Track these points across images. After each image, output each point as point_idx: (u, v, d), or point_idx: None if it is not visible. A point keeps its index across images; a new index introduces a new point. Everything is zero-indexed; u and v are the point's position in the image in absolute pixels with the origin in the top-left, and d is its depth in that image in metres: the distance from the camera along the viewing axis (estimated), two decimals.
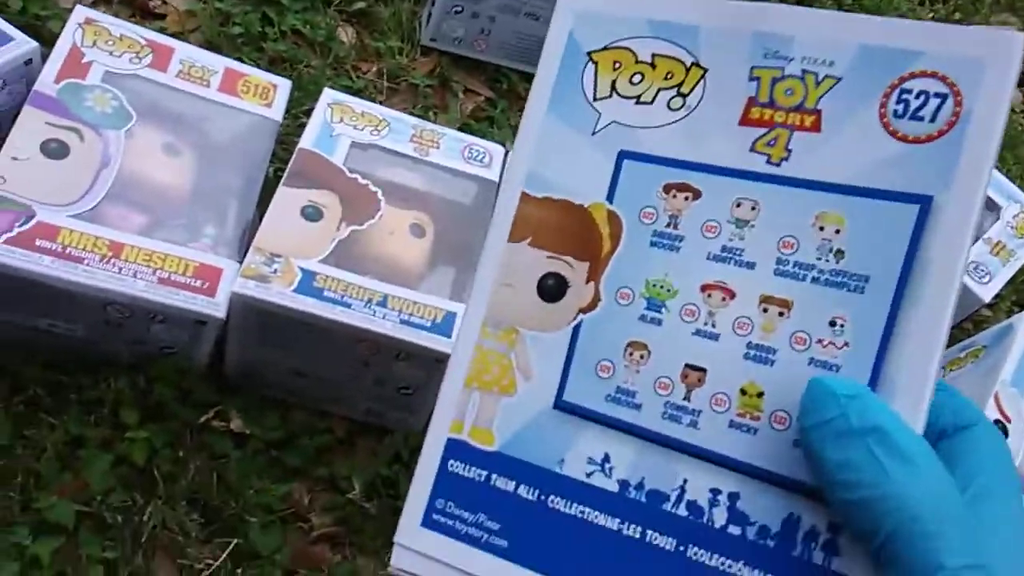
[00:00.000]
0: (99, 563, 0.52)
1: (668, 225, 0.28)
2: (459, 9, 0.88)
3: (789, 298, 0.26)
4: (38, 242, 0.52)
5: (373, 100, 0.84)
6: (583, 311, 0.28)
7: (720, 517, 0.25)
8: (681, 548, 0.25)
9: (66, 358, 0.58)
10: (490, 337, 0.29)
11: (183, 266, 0.56)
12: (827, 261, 0.25)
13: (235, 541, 0.56)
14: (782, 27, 0.27)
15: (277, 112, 0.67)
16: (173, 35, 0.78)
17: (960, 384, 0.76)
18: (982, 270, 0.84)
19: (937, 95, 0.25)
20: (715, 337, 0.26)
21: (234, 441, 0.59)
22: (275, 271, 0.57)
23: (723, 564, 0.24)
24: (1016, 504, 0.24)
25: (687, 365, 0.27)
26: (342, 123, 0.69)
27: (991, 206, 0.90)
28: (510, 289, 0.29)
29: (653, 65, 0.29)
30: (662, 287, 0.27)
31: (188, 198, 0.61)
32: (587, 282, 0.28)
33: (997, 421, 0.68)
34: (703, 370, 0.26)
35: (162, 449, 0.57)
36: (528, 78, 0.95)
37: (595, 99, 0.29)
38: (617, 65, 0.29)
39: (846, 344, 0.25)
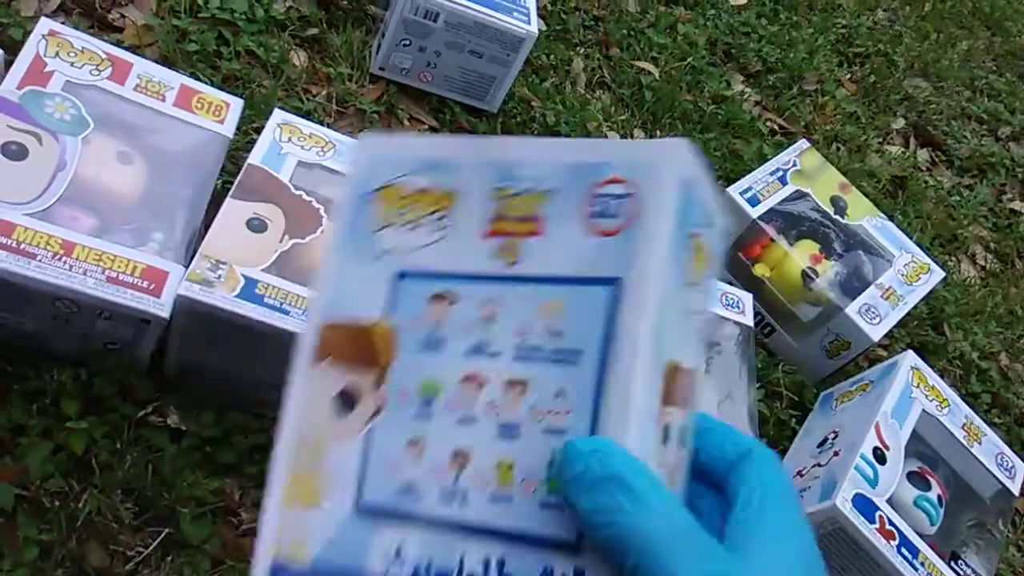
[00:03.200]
0: (35, 544, 0.55)
1: (431, 330, 0.32)
2: (407, 43, 0.93)
3: (526, 378, 0.30)
4: None
5: (321, 122, 0.88)
6: (373, 416, 0.32)
7: None
8: None
9: (12, 350, 0.60)
10: (300, 460, 0.32)
11: (131, 267, 0.59)
12: (550, 342, 0.30)
13: (166, 530, 0.59)
14: (509, 154, 0.33)
15: (229, 128, 0.71)
16: (130, 48, 0.81)
17: (847, 414, 0.83)
18: (873, 312, 0.92)
19: (621, 196, 0.30)
20: (473, 421, 0.30)
21: (170, 436, 0.63)
22: (219, 277, 0.61)
23: None
24: (793, 507, 0.29)
25: (455, 451, 0.30)
26: (290, 142, 0.73)
27: (885, 255, 0.99)
28: (314, 408, 0.32)
29: (422, 193, 0.33)
30: (431, 385, 0.31)
31: (138, 204, 0.65)
32: (374, 390, 0.32)
33: (876, 448, 0.75)
34: (467, 454, 0.30)
35: (101, 440, 0.60)
36: (470, 111, 1.01)
37: (376, 230, 0.33)
38: (394, 198, 0.34)
39: (568, 411, 0.29)
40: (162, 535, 0.59)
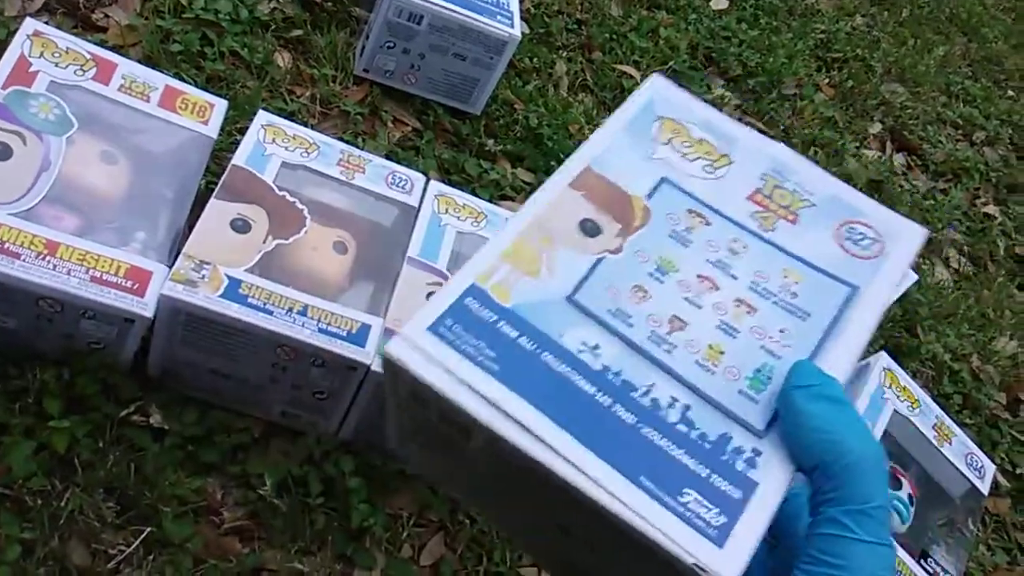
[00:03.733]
0: (17, 543, 0.55)
1: (684, 230, 0.38)
2: (391, 45, 0.94)
3: (756, 306, 0.36)
4: None
5: (305, 123, 0.89)
6: (608, 252, 0.37)
7: (674, 416, 0.32)
8: (639, 425, 0.32)
9: None
10: (532, 236, 0.36)
11: (115, 267, 0.60)
12: (785, 295, 0.36)
13: (148, 529, 0.60)
14: (790, 162, 0.40)
15: (213, 129, 0.72)
16: (113, 48, 0.81)
17: None
18: None
19: (871, 237, 0.38)
20: (699, 307, 0.35)
21: (153, 435, 0.63)
22: (203, 277, 0.62)
23: (667, 446, 0.31)
24: None
25: (674, 315, 0.35)
26: (274, 143, 0.73)
27: None
28: (558, 214, 0.37)
29: (701, 143, 0.41)
30: (670, 262, 0.36)
31: (121, 204, 0.65)
32: (616, 236, 0.37)
33: None
34: (685, 322, 0.35)
35: (83, 439, 0.60)
36: (454, 113, 1.02)
37: (656, 139, 0.40)
38: (676, 131, 0.41)
39: (788, 346, 0.34)
40: (144, 534, 0.59)
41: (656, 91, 0.42)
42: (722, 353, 0.34)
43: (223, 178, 0.69)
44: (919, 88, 1.64)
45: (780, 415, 0.33)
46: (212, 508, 0.63)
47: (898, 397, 0.84)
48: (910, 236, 0.39)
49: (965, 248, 1.39)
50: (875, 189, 1.36)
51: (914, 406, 0.84)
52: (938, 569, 0.75)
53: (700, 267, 0.36)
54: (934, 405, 0.86)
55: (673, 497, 0.30)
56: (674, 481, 0.31)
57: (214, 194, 0.67)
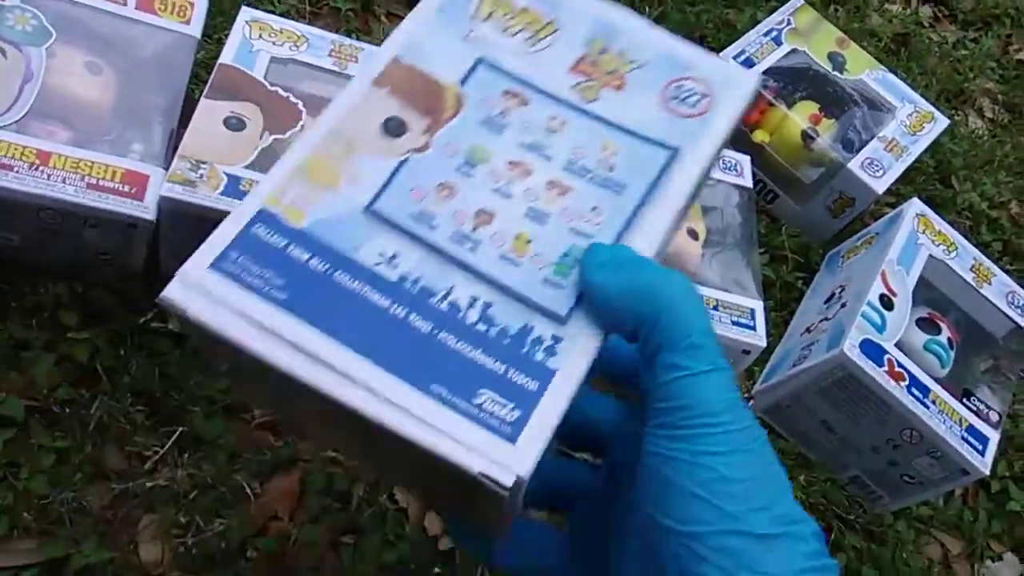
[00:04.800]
0: (51, 451, 0.56)
1: (498, 115, 0.36)
2: None
3: (569, 186, 0.35)
4: None
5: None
6: (414, 151, 0.35)
7: (472, 316, 0.31)
8: (435, 332, 0.31)
9: (5, 267, 0.60)
10: (330, 146, 0.34)
11: (111, 172, 0.59)
12: (602, 170, 0.35)
13: (180, 429, 0.60)
14: (617, 22, 0.38)
15: (195, 28, 0.69)
16: None
17: (855, 267, 0.82)
18: (876, 165, 0.90)
19: (700, 93, 0.36)
20: (508, 196, 0.34)
21: (173, 340, 0.63)
22: (201, 176, 0.60)
23: (463, 348, 0.31)
24: None
25: (481, 209, 0.34)
26: (261, 39, 0.71)
27: (887, 107, 0.96)
28: (360, 117, 0.35)
29: (523, 13, 0.38)
30: (480, 152, 0.35)
31: (112, 115, 0.64)
32: (423, 133, 0.35)
33: (883, 295, 0.75)
34: (492, 215, 0.34)
35: (104, 348, 0.60)
36: None
37: (474, 16, 0.38)
38: (497, 2, 0.38)
39: (599, 223, 0.34)
40: (176, 434, 0.60)
41: None
42: (529, 242, 0.33)
43: (211, 78, 0.67)
44: None
45: (586, 301, 0.32)
46: (241, 405, 0.63)
47: (933, 241, 0.81)
48: (741, 85, 0.36)
49: (999, 96, 1.32)
50: (901, 43, 1.30)
51: (950, 249, 0.81)
52: (981, 406, 0.73)
53: (512, 153, 0.35)
54: (971, 247, 0.83)
55: (467, 400, 0.29)
56: (468, 384, 0.30)
57: (204, 94, 0.65)
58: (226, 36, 0.82)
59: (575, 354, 0.31)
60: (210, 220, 0.61)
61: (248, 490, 0.60)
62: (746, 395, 0.80)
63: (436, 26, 0.37)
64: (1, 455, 0.54)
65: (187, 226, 0.61)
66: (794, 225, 0.94)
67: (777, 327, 0.85)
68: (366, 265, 0.32)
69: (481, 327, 0.31)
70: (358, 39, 0.90)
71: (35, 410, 0.57)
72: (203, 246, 0.32)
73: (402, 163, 0.34)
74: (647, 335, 0.30)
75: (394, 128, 0.35)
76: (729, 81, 0.36)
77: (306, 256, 0.32)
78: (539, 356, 0.31)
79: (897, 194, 1.04)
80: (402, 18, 0.95)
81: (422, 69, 0.36)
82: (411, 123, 0.35)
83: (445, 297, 0.32)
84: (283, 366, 0.30)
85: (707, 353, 0.29)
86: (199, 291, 0.31)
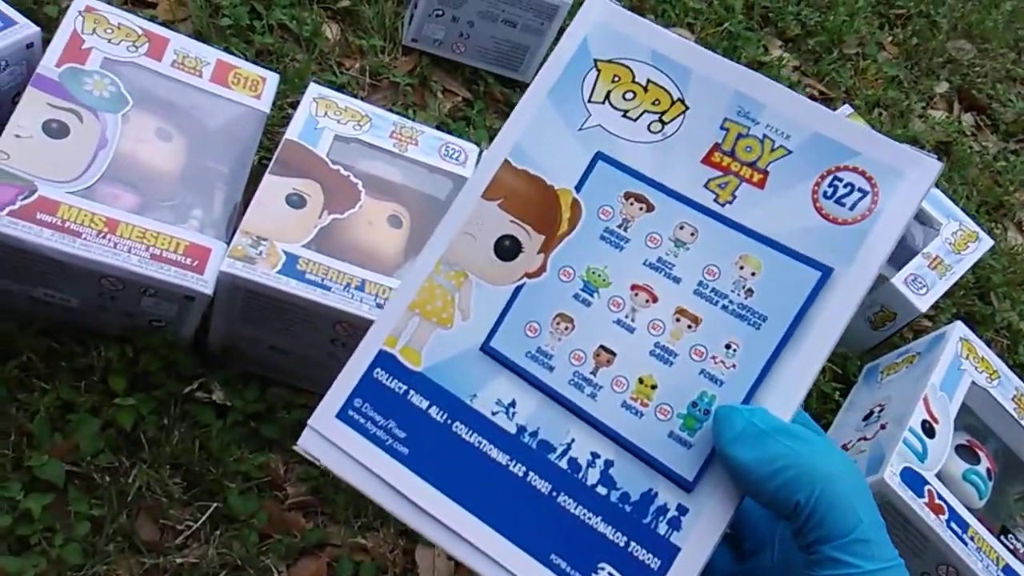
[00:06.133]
0: (86, 519, 0.56)
1: (620, 226, 0.32)
2: (440, 13, 0.92)
3: (700, 315, 0.31)
4: (39, 215, 0.56)
5: (355, 95, 0.88)
6: (528, 276, 0.32)
7: (593, 477, 0.30)
8: (554, 494, 0.30)
9: (60, 327, 0.61)
10: (442, 274, 0.33)
11: (174, 244, 0.59)
12: (739, 295, 0.30)
13: (215, 504, 0.60)
14: (759, 94, 0.32)
15: (265, 104, 0.71)
16: (164, 23, 0.81)
17: (894, 386, 0.82)
18: (919, 282, 0.90)
19: (860, 190, 0.30)
20: (631, 330, 0.31)
21: (216, 412, 0.63)
22: (260, 253, 0.61)
23: (584, 515, 0.30)
24: None
25: (601, 346, 0.31)
26: (326, 116, 0.72)
27: (932, 223, 0.97)
28: (471, 239, 0.33)
29: (646, 88, 0.33)
30: (599, 276, 0.32)
31: (178, 181, 0.65)
32: (538, 252, 0.33)
33: (925, 421, 0.74)
34: (614, 353, 0.31)
35: (148, 416, 0.60)
36: (504, 82, 0.99)
37: (590, 100, 0.33)
38: (616, 79, 0.33)
39: (734, 366, 0.30)
40: (211, 509, 0.59)
41: (593, 24, 0.34)
42: (654, 388, 0.30)
43: (277, 153, 0.68)
44: (987, 44, 1.56)
45: (720, 470, 0.29)
46: (276, 483, 0.63)
47: (976, 368, 0.80)
48: (914, 176, 0.30)
49: None
50: (943, 151, 1.31)
51: (992, 377, 0.80)
52: (1019, 545, 0.72)
53: (636, 274, 0.31)
54: (1013, 376, 0.82)
55: (586, 575, 0.29)
56: (589, 555, 0.29)
57: (268, 169, 0.66)
58: (289, 104, 0.84)
59: (701, 530, 0.29)
60: (265, 296, 0.62)
61: (275, 573, 0.59)
62: None
63: (548, 116, 0.33)
64: (38, 520, 0.54)
65: (242, 299, 0.61)
66: None
67: None
68: (484, 414, 0.31)
69: (602, 490, 0.30)
70: (415, 114, 0.92)
71: (75, 475, 0.57)
72: (330, 392, 0.32)
73: (517, 291, 0.32)
74: (803, 525, 0.27)
75: (508, 250, 0.33)
76: (899, 171, 0.30)
77: (425, 404, 0.32)
78: (662, 529, 0.29)
79: (936, 307, 1.04)
80: (458, 95, 0.98)
81: (535, 174, 0.33)
82: (525, 242, 0.33)
83: (565, 453, 0.30)
84: (407, 521, 0.30)
85: (877, 548, 0.27)
86: (329, 444, 0.32)
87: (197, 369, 0.63)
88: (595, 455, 0.30)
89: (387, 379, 0.32)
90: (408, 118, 0.81)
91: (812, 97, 1.24)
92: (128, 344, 0.62)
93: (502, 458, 0.31)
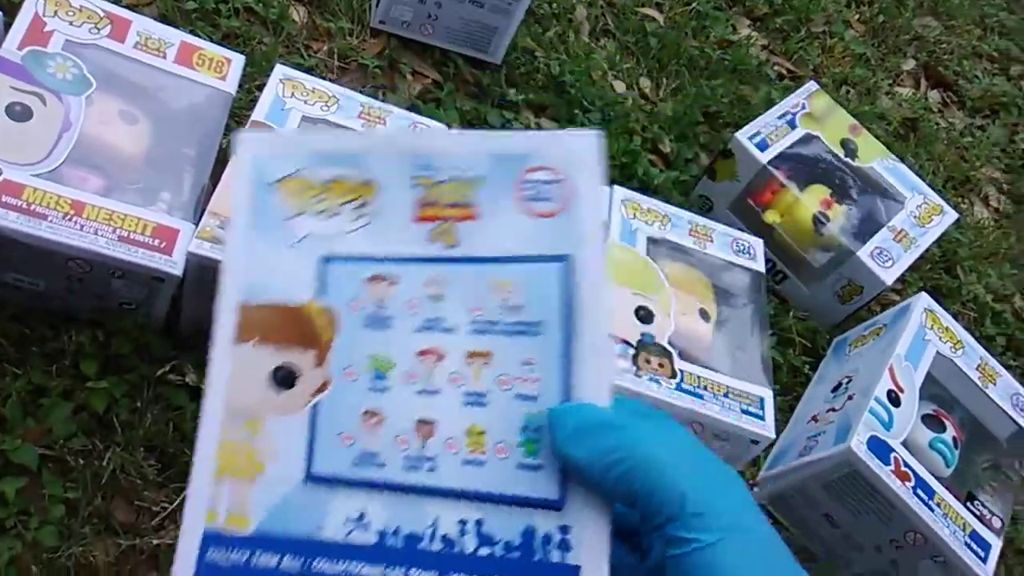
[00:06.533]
0: (61, 502, 0.56)
1: (377, 310, 0.32)
2: None
3: (488, 349, 0.31)
4: (4, 198, 0.55)
5: (324, 78, 0.87)
6: (317, 393, 0.31)
7: (470, 543, 0.29)
8: None
9: (30, 312, 0.61)
10: (233, 430, 0.31)
11: (142, 226, 0.59)
12: (508, 316, 0.31)
13: None
14: (426, 148, 0.33)
15: (231, 85, 0.70)
16: (128, 7, 0.80)
17: (861, 358, 0.83)
18: (885, 255, 0.91)
19: (551, 180, 0.32)
20: (436, 392, 0.31)
21: (189, 394, 0.63)
22: None
23: None
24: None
25: (417, 421, 0.30)
26: (293, 97, 0.72)
27: (897, 197, 0.98)
28: (245, 385, 0.32)
29: (330, 185, 0.33)
30: (382, 360, 0.31)
31: (144, 163, 0.64)
32: (315, 367, 0.32)
33: (890, 391, 0.76)
34: (432, 422, 0.30)
35: (121, 399, 0.60)
36: (473, 63, 0.99)
37: (289, 218, 0.33)
38: (301, 189, 0.34)
39: (539, 378, 0.30)
40: (185, 491, 0.59)
41: (252, 156, 0.34)
42: (482, 433, 0.30)
43: None
44: (953, 21, 1.58)
45: (568, 475, 0.29)
46: None
47: (940, 338, 0.82)
48: (585, 153, 0.32)
49: (1004, 186, 1.35)
50: (910, 127, 1.32)
51: (957, 347, 0.82)
52: (984, 511, 0.73)
53: (414, 343, 0.31)
54: (977, 346, 0.84)
55: None
56: None
57: None
58: (257, 87, 0.84)
59: (590, 539, 0.28)
60: None
61: None
62: (750, 482, 0.81)
63: (260, 247, 0.33)
64: (12, 503, 0.54)
65: (212, 281, 0.61)
66: (802, 307, 0.96)
67: (783, 411, 0.85)
68: (339, 540, 0.29)
69: (484, 551, 0.29)
70: (384, 96, 0.91)
71: (49, 459, 0.57)
72: None
73: (313, 411, 0.31)
74: (644, 511, 0.27)
75: (285, 379, 0.32)
76: (573, 155, 0.32)
77: (275, 559, 0.30)
78: (556, 556, 0.28)
79: (904, 281, 1.06)
80: (428, 77, 0.98)
81: (276, 303, 0.32)
82: (298, 365, 0.32)
83: (434, 535, 0.29)
84: None
85: (712, 519, 0.27)
86: None
87: (169, 351, 0.63)
88: (463, 522, 0.29)
89: (223, 557, 0.30)
90: (377, 100, 0.81)
91: (780, 76, 1.25)
92: (99, 327, 0.61)
93: (376, 571, 0.29)
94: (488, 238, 0.32)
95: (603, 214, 0.30)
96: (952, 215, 0.99)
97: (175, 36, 0.70)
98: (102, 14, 0.68)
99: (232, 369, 0.32)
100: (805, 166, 0.96)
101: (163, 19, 0.83)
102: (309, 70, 0.89)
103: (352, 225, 0.33)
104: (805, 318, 0.95)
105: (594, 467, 0.28)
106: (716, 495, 0.27)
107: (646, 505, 0.27)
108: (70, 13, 0.66)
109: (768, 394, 0.71)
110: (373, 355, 0.31)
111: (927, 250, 0.97)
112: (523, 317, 0.31)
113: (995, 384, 0.82)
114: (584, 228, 0.31)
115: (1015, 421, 0.81)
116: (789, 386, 0.88)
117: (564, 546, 0.28)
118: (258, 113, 0.70)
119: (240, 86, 0.73)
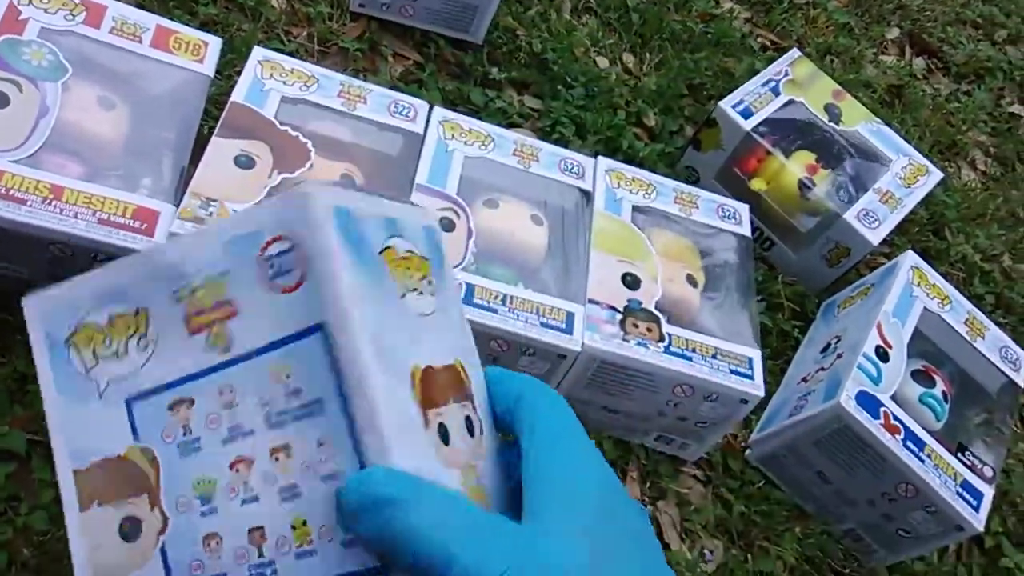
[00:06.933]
0: (51, 486, 0.56)
1: (185, 435, 0.33)
2: None
3: (286, 441, 0.31)
4: None
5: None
6: (161, 533, 0.32)
7: None
8: None
9: (12, 299, 0.60)
10: None
11: (122, 208, 0.59)
12: (292, 401, 0.31)
13: None
14: (171, 258, 0.33)
15: (209, 68, 0.70)
16: None
17: (850, 318, 0.84)
18: (871, 217, 0.91)
19: (284, 251, 0.31)
20: (257, 498, 0.31)
21: None
22: (211, 213, 0.61)
23: None
24: (572, 439, 0.33)
25: (248, 531, 0.31)
26: (272, 79, 0.72)
27: (882, 159, 0.98)
28: (100, 548, 0.33)
29: (112, 324, 0.34)
30: (204, 482, 0.32)
31: (123, 149, 0.64)
32: (152, 509, 0.33)
33: (878, 347, 0.76)
34: (261, 526, 0.31)
35: None
36: (455, 43, 0.99)
37: (88, 371, 0.34)
38: (89, 339, 0.34)
39: (335, 455, 0.30)
40: None
41: (41, 316, 0.36)
42: (305, 523, 0.31)
43: (223, 116, 0.68)
44: None
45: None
46: None
47: (927, 295, 0.82)
48: (310, 215, 0.31)
49: (991, 149, 1.35)
50: (895, 95, 1.32)
51: (944, 303, 0.82)
52: (976, 461, 0.74)
53: (224, 456, 0.32)
54: (964, 300, 0.84)
55: None
56: None
57: (215, 132, 0.66)
58: (237, 73, 0.83)
59: None
60: None
61: None
62: (743, 444, 0.81)
63: (70, 409, 0.34)
64: (2, 489, 0.54)
65: None
66: (790, 273, 0.96)
67: (773, 375, 0.86)
68: None
69: None
70: (366, 79, 0.91)
71: (37, 444, 0.57)
72: None
73: (162, 552, 0.32)
74: None
75: (131, 531, 0.33)
76: (299, 216, 0.31)
77: None
78: None
79: (892, 244, 1.06)
80: (409, 59, 0.97)
81: (101, 458, 0.33)
82: (138, 514, 0.33)
83: None
84: None
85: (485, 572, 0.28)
86: None
87: None
88: None
89: None
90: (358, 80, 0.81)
91: (764, 47, 1.25)
92: None
93: None
94: (254, 329, 0.32)
95: (340, 264, 0.31)
96: (937, 175, 0.99)
97: (151, 20, 0.70)
98: (77, 1, 0.68)
99: (87, 538, 0.33)
100: (789, 132, 0.96)
101: (140, 7, 0.83)
102: (289, 55, 0.88)
103: (141, 359, 0.33)
104: (794, 283, 0.95)
105: (373, 543, 0.29)
106: (486, 552, 0.28)
107: (425, 574, 0.28)
108: (45, 1, 0.66)
109: (757, 354, 0.71)
110: (195, 480, 0.32)
111: (914, 212, 0.97)
112: (305, 399, 0.31)
113: (983, 338, 0.82)
114: (327, 290, 0.30)
115: (1004, 373, 0.81)
116: (779, 350, 0.89)
117: None
118: (237, 95, 0.70)
119: (219, 72, 0.73)
